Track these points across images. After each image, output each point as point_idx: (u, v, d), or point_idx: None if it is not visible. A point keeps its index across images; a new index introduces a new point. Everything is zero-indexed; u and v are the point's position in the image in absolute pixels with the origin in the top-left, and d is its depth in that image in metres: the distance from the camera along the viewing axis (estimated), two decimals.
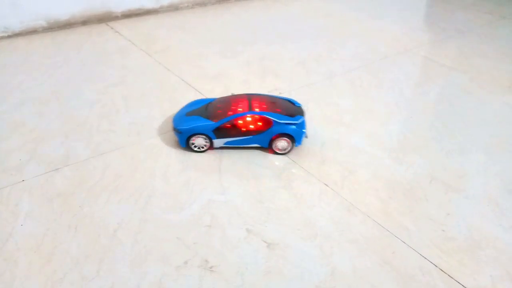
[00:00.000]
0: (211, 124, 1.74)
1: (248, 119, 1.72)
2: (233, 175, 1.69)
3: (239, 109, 1.74)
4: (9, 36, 2.69)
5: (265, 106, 1.76)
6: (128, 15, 3.06)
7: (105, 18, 2.97)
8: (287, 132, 1.74)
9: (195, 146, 1.79)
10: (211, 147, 1.81)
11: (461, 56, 2.90)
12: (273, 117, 1.72)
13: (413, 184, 1.71)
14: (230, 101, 1.82)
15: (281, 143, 1.78)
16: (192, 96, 2.24)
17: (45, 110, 2.05)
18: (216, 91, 2.30)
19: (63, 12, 2.81)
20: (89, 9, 2.89)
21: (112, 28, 2.90)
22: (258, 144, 1.80)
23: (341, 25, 3.35)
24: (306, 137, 1.84)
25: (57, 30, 2.82)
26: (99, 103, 2.12)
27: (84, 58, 2.54)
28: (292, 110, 1.81)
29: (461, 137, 2.02)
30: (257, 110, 1.73)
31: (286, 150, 1.80)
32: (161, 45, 2.78)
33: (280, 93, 2.31)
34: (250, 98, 1.82)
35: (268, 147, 1.80)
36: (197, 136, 1.76)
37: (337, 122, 2.09)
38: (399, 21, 3.53)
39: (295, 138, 1.76)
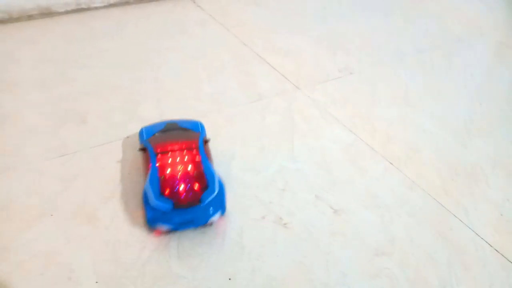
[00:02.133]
0: (142, 138, 1.66)
1: None
2: (304, 145, 1.87)
3: None
4: (105, 6, 2.99)
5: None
6: None
7: None
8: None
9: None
10: None
11: None
12: (151, 169, 1.44)
13: (476, 167, 1.80)
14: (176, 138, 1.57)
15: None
16: (263, 69, 2.42)
17: (139, 75, 2.32)
18: (288, 68, 2.44)
19: None
20: None
21: (194, 2, 3.11)
22: None
23: (414, 1, 3.32)
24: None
25: (147, 2, 3.08)
26: (184, 72, 2.34)
27: (170, 29, 2.78)
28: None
29: None
30: None
31: None
32: (237, 20, 2.95)
33: (350, 73, 2.41)
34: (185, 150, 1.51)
35: None
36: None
37: (404, 102, 2.18)
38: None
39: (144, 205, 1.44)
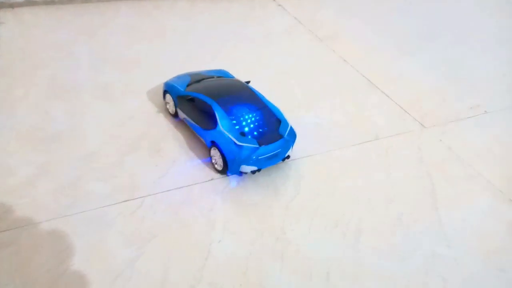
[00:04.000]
0: (179, 90, 1.53)
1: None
2: (454, 219, 1.35)
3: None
4: None
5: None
6: None
7: None
8: (216, 142, 1.35)
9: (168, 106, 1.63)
10: (176, 115, 1.59)
11: None
12: (219, 114, 1.36)
13: None
14: (221, 84, 1.55)
15: (214, 152, 1.38)
16: (375, 98, 1.91)
17: None
18: (404, 97, 1.92)
19: None
20: None
21: (274, 0, 2.62)
22: (202, 138, 1.44)
23: None
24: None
25: None
26: (276, 91, 1.80)
27: (252, 34, 2.28)
28: (272, 130, 1.37)
29: None
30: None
31: (215, 162, 1.39)
32: (330, 29, 2.45)
33: (485, 111, 1.88)
34: (239, 92, 1.47)
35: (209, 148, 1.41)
36: (168, 94, 1.59)
37: None
38: None
39: (222, 150, 1.33)
